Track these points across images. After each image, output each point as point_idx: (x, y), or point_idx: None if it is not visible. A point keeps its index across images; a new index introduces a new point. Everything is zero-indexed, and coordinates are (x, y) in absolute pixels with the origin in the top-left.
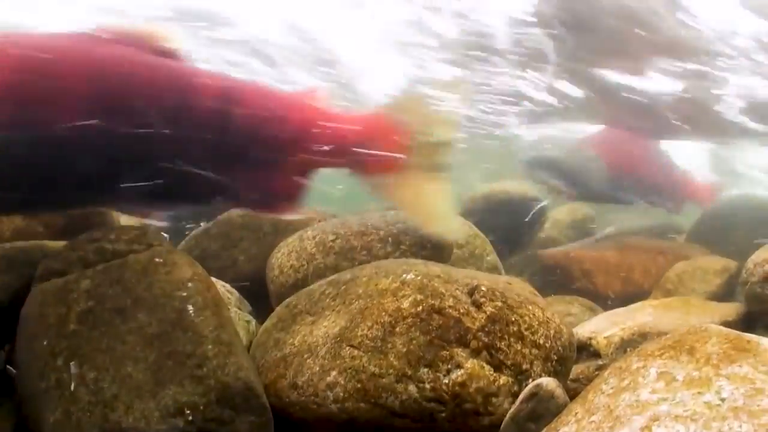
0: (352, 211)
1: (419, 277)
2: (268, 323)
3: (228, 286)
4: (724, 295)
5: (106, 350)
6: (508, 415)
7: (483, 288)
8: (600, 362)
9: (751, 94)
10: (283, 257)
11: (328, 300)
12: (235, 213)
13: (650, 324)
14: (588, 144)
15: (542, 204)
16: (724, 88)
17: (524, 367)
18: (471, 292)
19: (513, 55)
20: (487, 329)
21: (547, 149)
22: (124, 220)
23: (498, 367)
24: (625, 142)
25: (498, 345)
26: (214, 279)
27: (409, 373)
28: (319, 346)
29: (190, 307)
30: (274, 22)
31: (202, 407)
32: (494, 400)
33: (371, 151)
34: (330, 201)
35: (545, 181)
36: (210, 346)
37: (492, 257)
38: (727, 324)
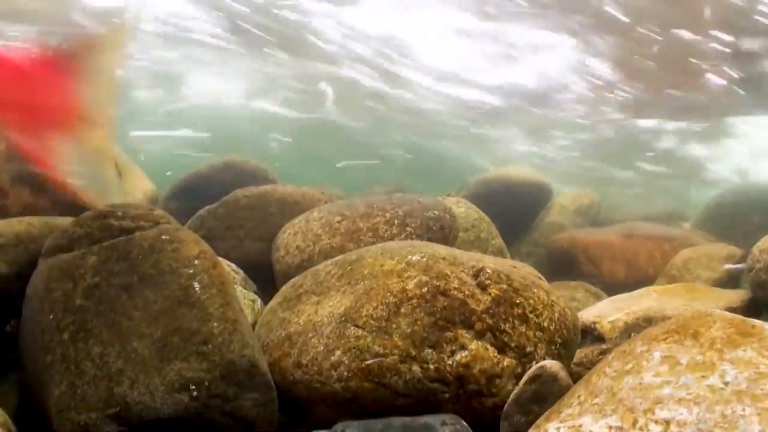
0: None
1: (425, 259)
2: (273, 302)
3: (234, 265)
4: (729, 281)
5: (112, 325)
6: (511, 397)
7: (488, 270)
8: (604, 346)
9: None
10: (289, 238)
11: (333, 280)
12: (240, 194)
13: (655, 309)
14: None
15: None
16: None
17: (528, 349)
18: (476, 275)
19: None
20: (491, 311)
21: None
22: None
23: (502, 349)
24: None
25: (502, 327)
26: (220, 258)
27: (414, 353)
28: (324, 325)
29: (196, 285)
30: None
31: (207, 383)
32: (498, 381)
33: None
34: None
35: None
36: (215, 324)
37: (497, 241)
38: (731, 310)
